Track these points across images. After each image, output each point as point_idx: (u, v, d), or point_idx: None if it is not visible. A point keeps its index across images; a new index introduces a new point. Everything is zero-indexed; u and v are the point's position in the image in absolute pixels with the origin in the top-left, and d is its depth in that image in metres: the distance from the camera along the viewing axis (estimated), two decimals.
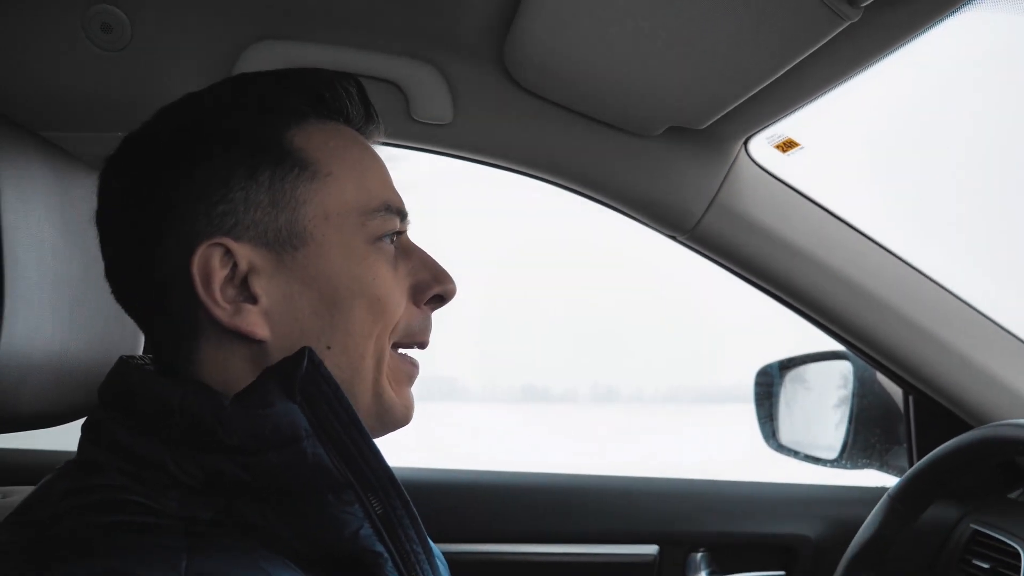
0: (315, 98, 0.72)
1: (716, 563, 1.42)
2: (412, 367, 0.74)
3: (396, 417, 0.71)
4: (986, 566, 1.24)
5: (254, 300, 0.65)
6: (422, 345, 0.75)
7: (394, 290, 0.70)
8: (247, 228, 0.65)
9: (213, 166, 0.65)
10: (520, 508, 1.39)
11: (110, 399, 0.65)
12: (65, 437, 0.84)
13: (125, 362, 0.68)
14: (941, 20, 0.83)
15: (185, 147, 0.67)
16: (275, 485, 0.60)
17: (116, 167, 0.69)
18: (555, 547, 1.37)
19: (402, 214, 0.73)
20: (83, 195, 0.83)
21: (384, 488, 0.62)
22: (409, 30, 1.13)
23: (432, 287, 0.73)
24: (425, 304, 0.74)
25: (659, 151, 1.21)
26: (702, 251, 1.29)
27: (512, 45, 1.09)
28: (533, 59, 1.10)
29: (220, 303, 0.64)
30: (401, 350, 0.73)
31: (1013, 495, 1.38)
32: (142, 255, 0.66)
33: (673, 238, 1.29)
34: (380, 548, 0.61)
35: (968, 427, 1.11)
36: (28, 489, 0.70)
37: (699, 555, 1.41)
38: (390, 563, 0.62)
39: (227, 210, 0.65)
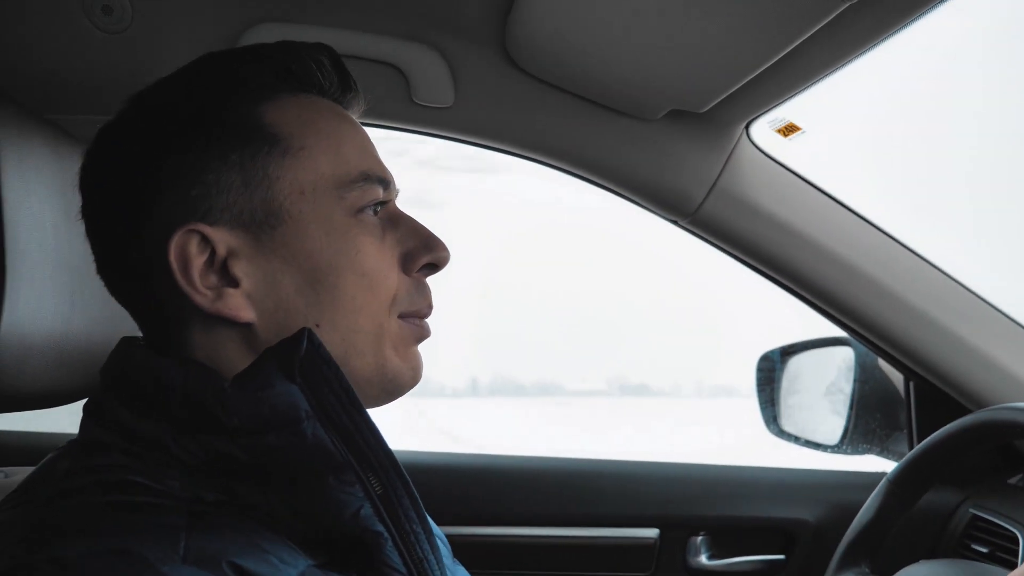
0: (283, 71, 0.70)
1: (716, 547, 1.42)
2: (419, 329, 0.72)
3: (404, 382, 0.71)
4: (985, 550, 1.24)
5: (236, 283, 0.65)
6: (424, 313, 0.73)
7: (381, 262, 0.69)
8: (222, 211, 0.64)
9: (182, 150, 0.65)
10: (521, 491, 1.40)
11: (112, 379, 0.65)
12: (66, 420, 0.84)
13: (128, 342, 0.68)
14: (942, 1, 0.83)
15: (155, 133, 0.66)
16: (276, 466, 0.60)
17: (92, 159, 0.69)
18: (556, 530, 1.38)
19: (385, 182, 0.71)
20: None
21: (384, 468, 0.62)
22: (410, 13, 1.12)
23: (422, 255, 0.71)
24: (417, 272, 0.72)
25: (660, 135, 1.21)
26: (703, 236, 1.29)
27: (513, 28, 1.09)
28: (534, 42, 1.10)
29: (200, 289, 0.64)
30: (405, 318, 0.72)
31: (1012, 480, 1.38)
32: (123, 246, 0.66)
33: (674, 223, 1.29)
34: (380, 528, 0.62)
35: (969, 412, 1.11)
36: (30, 469, 0.70)
37: (699, 539, 1.41)
38: (390, 543, 0.62)
39: (200, 194, 0.64)
